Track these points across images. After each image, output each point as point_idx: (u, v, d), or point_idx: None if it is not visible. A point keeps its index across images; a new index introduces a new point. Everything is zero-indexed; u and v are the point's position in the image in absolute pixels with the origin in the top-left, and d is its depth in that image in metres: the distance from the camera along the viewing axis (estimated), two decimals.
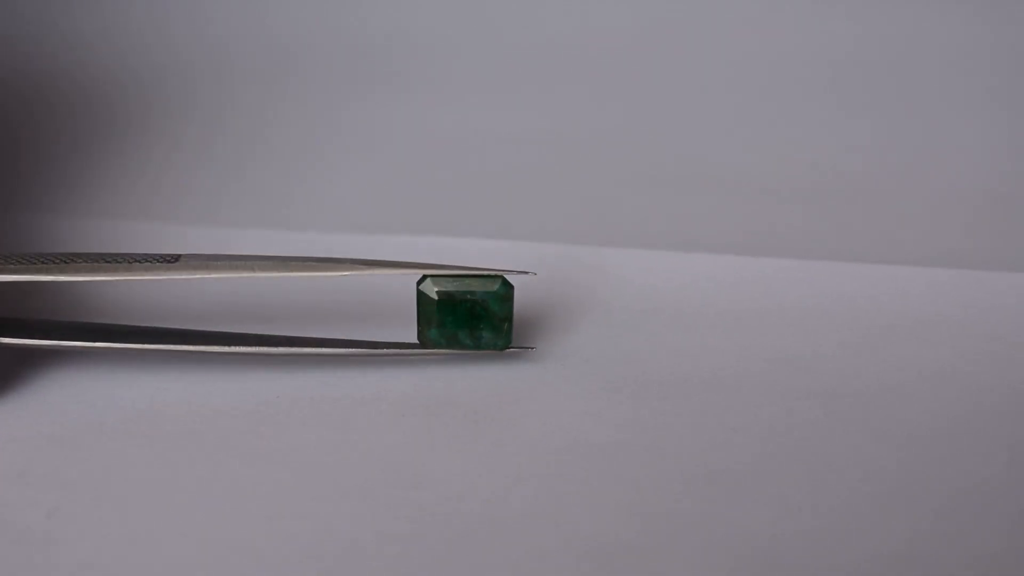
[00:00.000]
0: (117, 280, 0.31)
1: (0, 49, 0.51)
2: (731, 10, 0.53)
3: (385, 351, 0.32)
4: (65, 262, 0.31)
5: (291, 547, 0.27)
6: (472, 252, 0.37)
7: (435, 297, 0.32)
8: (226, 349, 0.32)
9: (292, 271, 0.31)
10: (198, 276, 0.31)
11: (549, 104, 0.50)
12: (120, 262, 0.31)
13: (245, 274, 0.31)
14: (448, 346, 0.32)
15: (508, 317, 0.32)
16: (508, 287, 0.32)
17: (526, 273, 0.33)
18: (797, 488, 0.29)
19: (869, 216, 0.41)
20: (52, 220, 0.40)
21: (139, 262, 0.31)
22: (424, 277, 0.32)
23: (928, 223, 0.41)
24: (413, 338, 0.33)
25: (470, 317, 0.32)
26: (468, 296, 0.32)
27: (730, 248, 0.39)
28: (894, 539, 0.27)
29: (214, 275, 0.31)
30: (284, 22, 0.54)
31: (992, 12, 0.51)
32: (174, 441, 0.30)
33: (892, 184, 0.44)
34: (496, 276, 0.32)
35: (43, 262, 0.31)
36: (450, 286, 0.32)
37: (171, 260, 0.31)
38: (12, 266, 0.31)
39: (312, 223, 0.40)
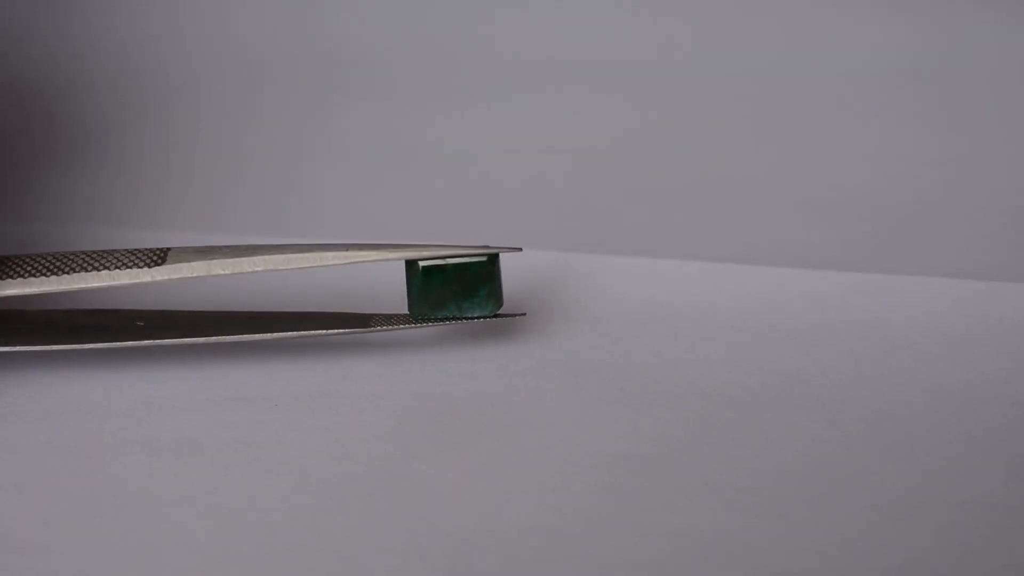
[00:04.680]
0: (100, 287, 0.31)
1: None
2: (732, 20, 0.53)
3: (376, 328, 0.33)
4: (49, 271, 0.31)
5: (289, 558, 0.27)
6: None
7: (422, 270, 0.32)
8: (214, 340, 0.32)
9: (284, 259, 0.32)
10: (184, 276, 0.31)
11: (546, 112, 0.50)
12: (103, 267, 0.31)
13: (237, 270, 0.31)
14: (436, 312, 0.33)
15: (496, 288, 0.33)
16: (495, 261, 0.32)
17: (516, 250, 0.33)
18: (800, 502, 0.29)
19: (873, 227, 0.41)
20: (39, 226, 0.40)
21: (124, 267, 0.31)
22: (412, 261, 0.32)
23: (933, 234, 0.41)
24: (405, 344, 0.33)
25: (461, 287, 0.32)
26: (457, 267, 0.32)
27: (733, 257, 0.39)
28: (900, 554, 0.27)
29: (201, 275, 0.31)
30: (272, 29, 0.54)
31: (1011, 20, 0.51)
32: (171, 449, 0.30)
33: (896, 195, 0.44)
34: (484, 253, 0.33)
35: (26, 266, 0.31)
36: (439, 261, 0.32)
37: (158, 259, 0.31)
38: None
39: (301, 231, 0.40)
